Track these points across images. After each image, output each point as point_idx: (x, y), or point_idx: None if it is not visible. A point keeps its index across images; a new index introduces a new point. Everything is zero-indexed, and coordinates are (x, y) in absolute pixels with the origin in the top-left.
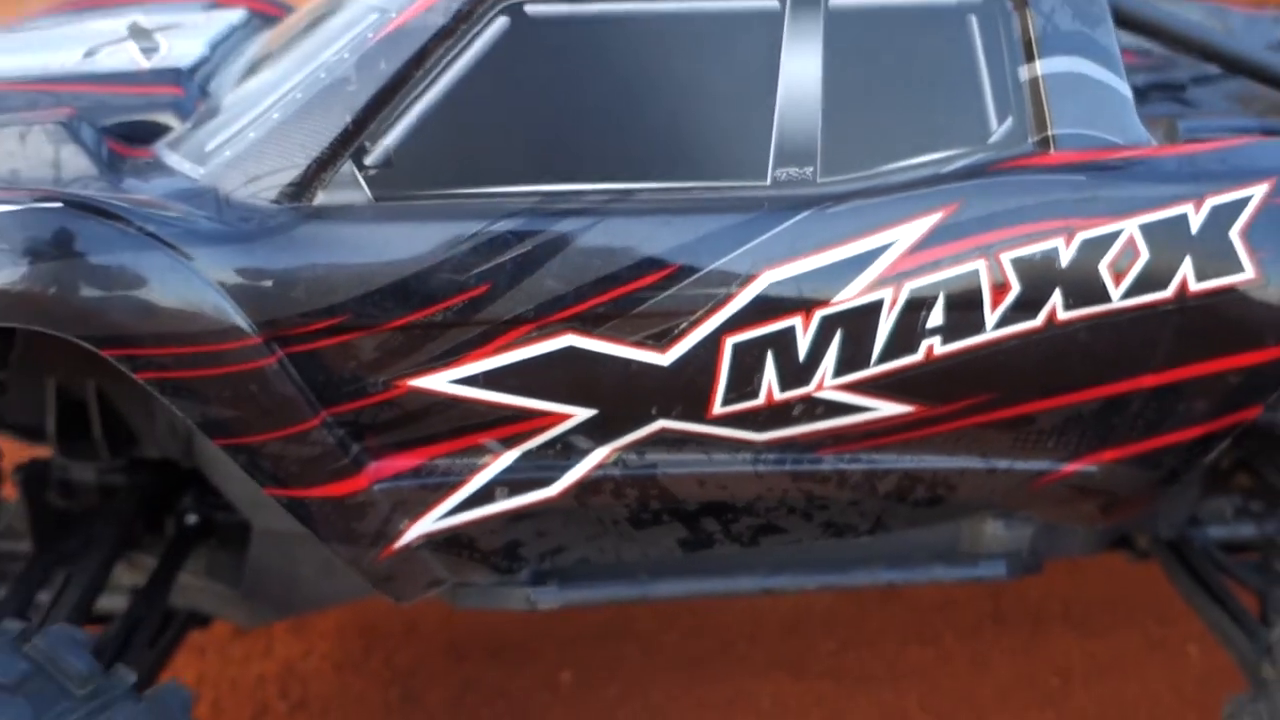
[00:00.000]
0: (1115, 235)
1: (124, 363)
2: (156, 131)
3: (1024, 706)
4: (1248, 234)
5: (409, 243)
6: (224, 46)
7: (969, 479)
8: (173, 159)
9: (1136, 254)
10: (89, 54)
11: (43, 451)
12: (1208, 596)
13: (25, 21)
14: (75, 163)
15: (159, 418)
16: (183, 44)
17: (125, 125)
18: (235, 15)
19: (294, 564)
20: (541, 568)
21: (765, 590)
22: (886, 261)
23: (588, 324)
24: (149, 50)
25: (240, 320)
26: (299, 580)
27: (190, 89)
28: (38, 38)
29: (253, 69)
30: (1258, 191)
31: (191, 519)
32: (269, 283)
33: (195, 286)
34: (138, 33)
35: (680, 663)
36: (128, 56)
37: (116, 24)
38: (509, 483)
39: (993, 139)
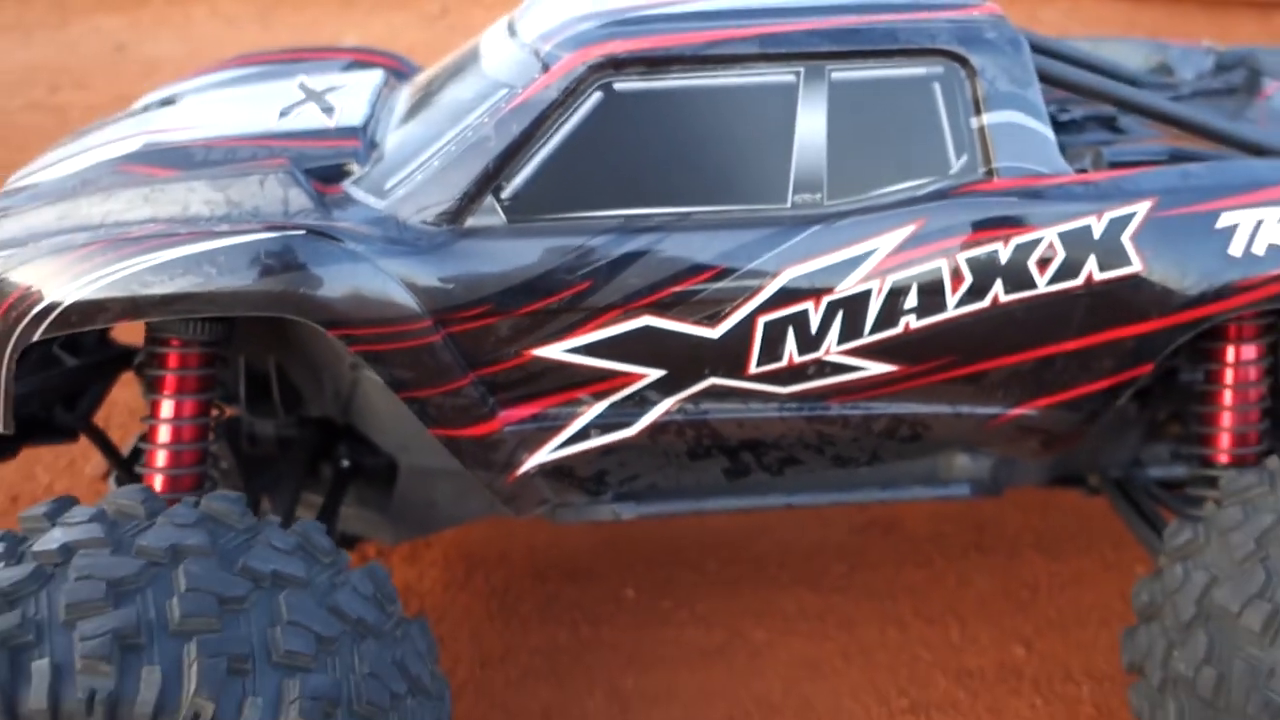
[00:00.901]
0: (1039, 240)
1: (342, 340)
2: (341, 173)
3: (1000, 614)
4: (1135, 238)
5: (533, 253)
6: (378, 104)
7: (940, 421)
8: (359, 194)
9: (1055, 253)
10: (283, 114)
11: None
12: (1144, 523)
13: (187, 81)
14: (298, 200)
15: (325, 385)
16: (350, 103)
17: (319, 169)
18: (376, 76)
19: (432, 493)
20: (621, 490)
21: (788, 506)
22: (874, 261)
23: (659, 309)
24: (328, 110)
25: (418, 309)
26: (435, 506)
27: (364, 141)
28: (230, 99)
29: (405, 121)
30: (1142, 208)
31: (345, 463)
32: (436, 283)
33: (389, 286)
34: (314, 95)
35: (721, 581)
36: (315, 115)
37: (289, 85)
38: (600, 425)
39: (952, 171)
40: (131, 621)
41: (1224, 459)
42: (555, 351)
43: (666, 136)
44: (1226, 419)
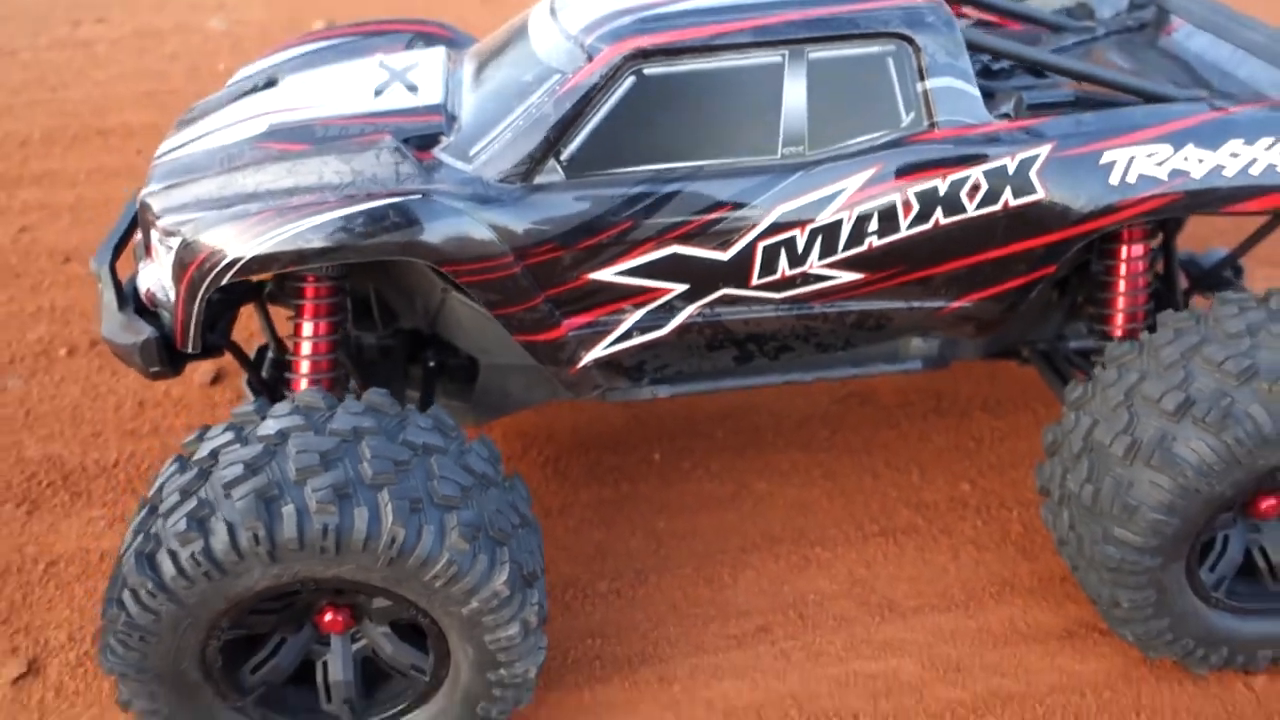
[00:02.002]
0: (969, 176)
1: (452, 274)
2: (432, 141)
3: (953, 460)
4: (1040, 173)
5: (587, 202)
6: (449, 80)
7: (898, 313)
8: (448, 159)
9: (981, 186)
10: (378, 94)
11: None
12: (1061, 384)
13: (274, 58)
14: (406, 168)
15: (416, 305)
16: (428, 81)
17: (416, 139)
18: (440, 53)
19: (506, 384)
20: (656, 376)
21: (784, 382)
22: (845, 197)
23: (684, 239)
24: (412, 89)
25: (505, 248)
26: (509, 394)
27: (446, 115)
28: (326, 80)
29: (474, 92)
30: (1044, 150)
31: (431, 363)
32: (516, 227)
33: (484, 232)
34: (397, 75)
35: (729, 446)
36: (403, 94)
37: (370, 64)
38: (640, 328)
39: (902, 125)
40: (341, 479)
41: (1118, 333)
42: (606, 275)
43: (685, 108)
44: (1120, 302)
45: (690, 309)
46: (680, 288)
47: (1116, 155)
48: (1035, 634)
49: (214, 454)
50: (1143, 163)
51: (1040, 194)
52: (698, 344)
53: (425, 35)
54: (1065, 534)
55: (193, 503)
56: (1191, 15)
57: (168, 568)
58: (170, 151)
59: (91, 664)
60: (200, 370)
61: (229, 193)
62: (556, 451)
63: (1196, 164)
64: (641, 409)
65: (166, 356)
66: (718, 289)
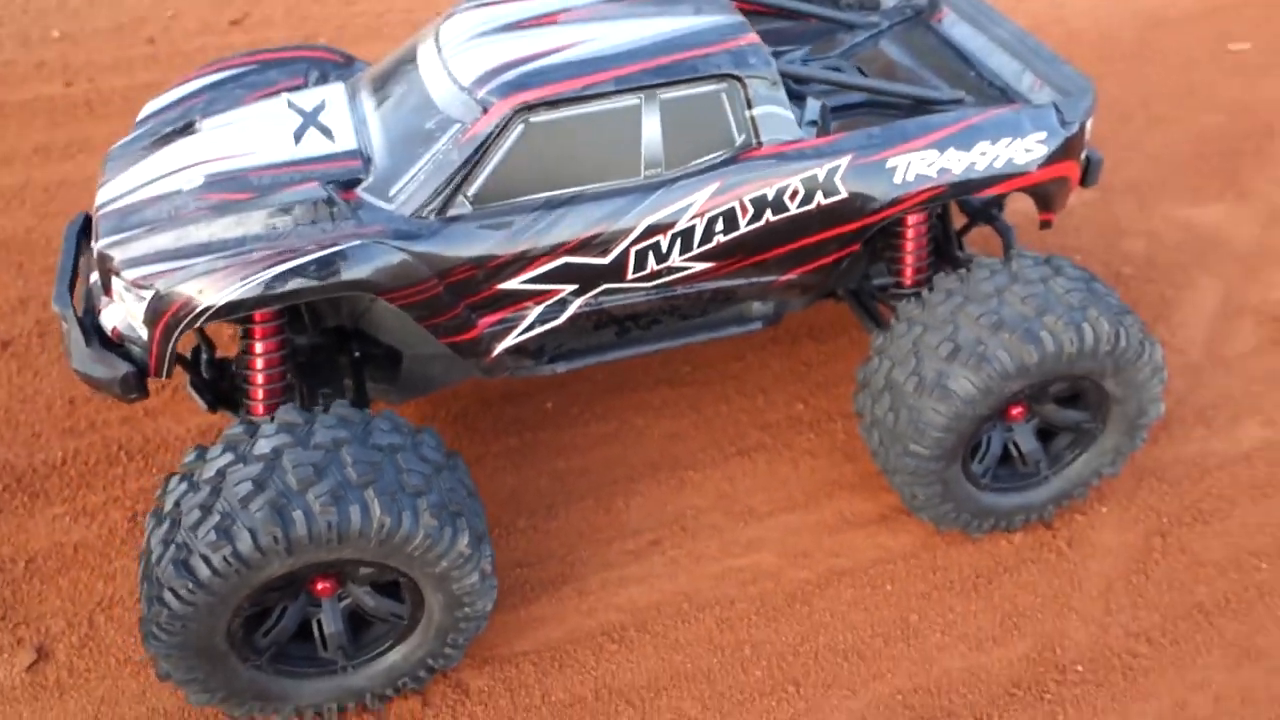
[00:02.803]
0: (789, 184)
1: (389, 299)
2: (354, 182)
3: (788, 383)
4: (843, 178)
5: (493, 229)
6: (357, 122)
7: (742, 288)
8: (370, 199)
9: (799, 191)
10: (297, 141)
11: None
12: (869, 318)
13: (182, 97)
14: (339, 212)
15: (342, 307)
16: (339, 125)
17: (341, 182)
18: (339, 91)
19: (428, 369)
20: (554, 355)
21: (656, 350)
22: (696, 206)
23: (572, 252)
24: (328, 134)
25: (430, 273)
26: (431, 377)
27: (362, 159)
28: (244, 125)
29: (384, 134)
30: (845, 160)
31: (356, 354)
32: (438, 255)
33: (413, 263)
34: (309, 118)
35: (609, 388)
36: (321, 140)
37: (280, 106)
38: (540, 320)
39: (736, 145)
40: (334, 484)
41: (909, 281)
42: (512, 284)
43: (565, 145)
44: (909, 259)
45: (578, 301)
46: (571, 287)
47: (898, 161)
48: (859, 521)
49: (221, 473)
50: (917, 165)
51: (844, 194)
52: (586, 327)
53: (318, 63)
54: (876, 448)
55: (215, 516)
56: (956, 6)
57: (203, 570)
58: (112, 202)
59: (94, 643)
60: None
61: (187, 244)
62: (463, 408)
63: (956, 162)
64: None
65: (142, 384)
66: (600, 285)
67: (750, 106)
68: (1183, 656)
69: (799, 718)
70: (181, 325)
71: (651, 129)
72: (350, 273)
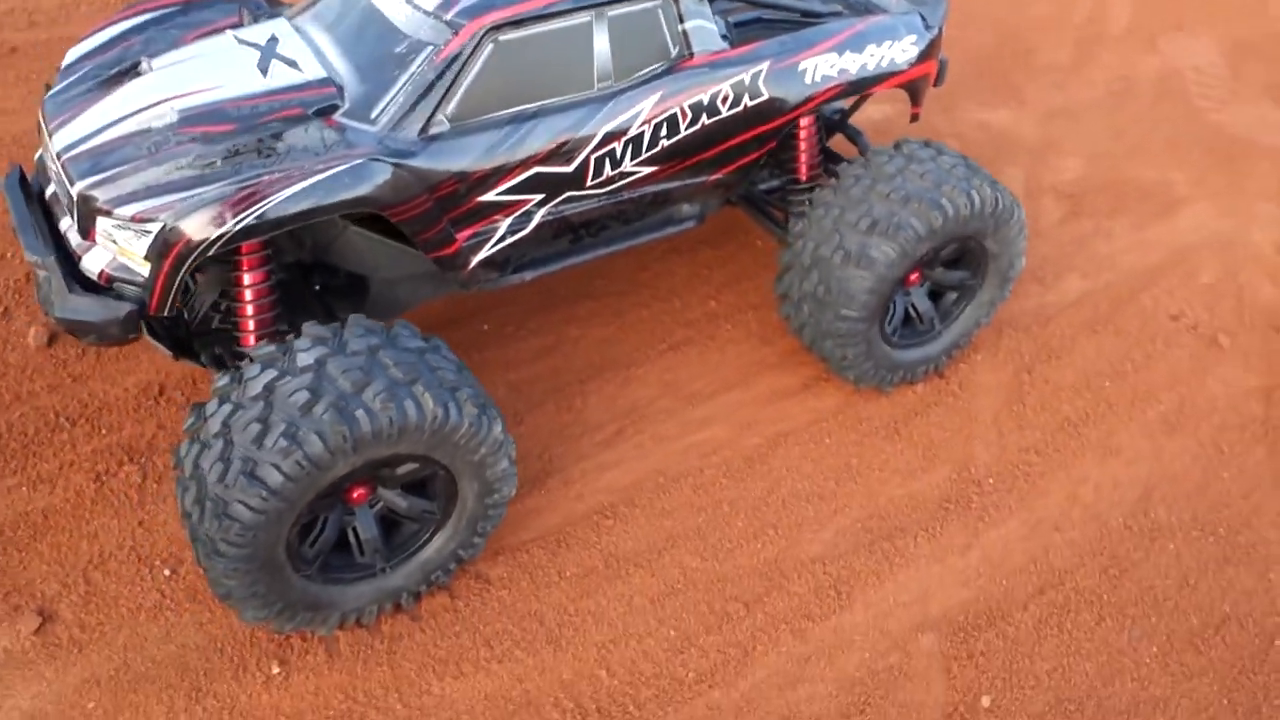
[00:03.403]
0: (720, 89)
1: (389, 215)
2: (332, 109)
3: (697, 286)
4: (764, 81)
5: (470, 143)
6: (317, 50)
7: (678, 190)
8: (353, 124)
9: (729, 95)
10: (265, 74)
11: None
12: (764, 218)
13: (117, 38)
14: (330, 136)
15: (305, 240)
16: (301, 56)
17: (320, 110)
18: (284, 25)
19: (395, 292)
20: (520, 265)
21: (607, 253)
22: (643, 114)
23: (542, 162)
24: (293, 65)
25: (421, 188)
26: (399, 299)
27: (335, 87)
28: (200, 62)
29: (349, 63)
30: (765, 64)
31: (317, 286)
32: (427, 170)
33: (408, 178)
34: (267, 50)
35: (537, 306)
36: (289, 71)
37: (229, 42)
38: (510, 231)
39: (672, 56)
40: (385, 383)
41: (804, 178)
42: (489, 196)
43: (529, 62)
44: (803, 158)
45: (542, 211)
46: (538, 197)
47: (807, 64)
48: (788, 392)
49: (269, 388)
50: (823, 67)
51: (766, 95)
52: (546, 236)
53: (244, 1)
54: (805, 320)
55: (280, 425)
56: None
57: (275, 477)
58: (76, 145)
59: (98, 598)
60: (33, 334)
61: (181, 176)
62: None
63: (852, 63)
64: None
65: (139, 324)
66: (563, 193)
67: (682, 20)
68: (1064, 460)
69: (782, 553)
70: (194, 254)
71: (602, 44)
72: (356, 190)
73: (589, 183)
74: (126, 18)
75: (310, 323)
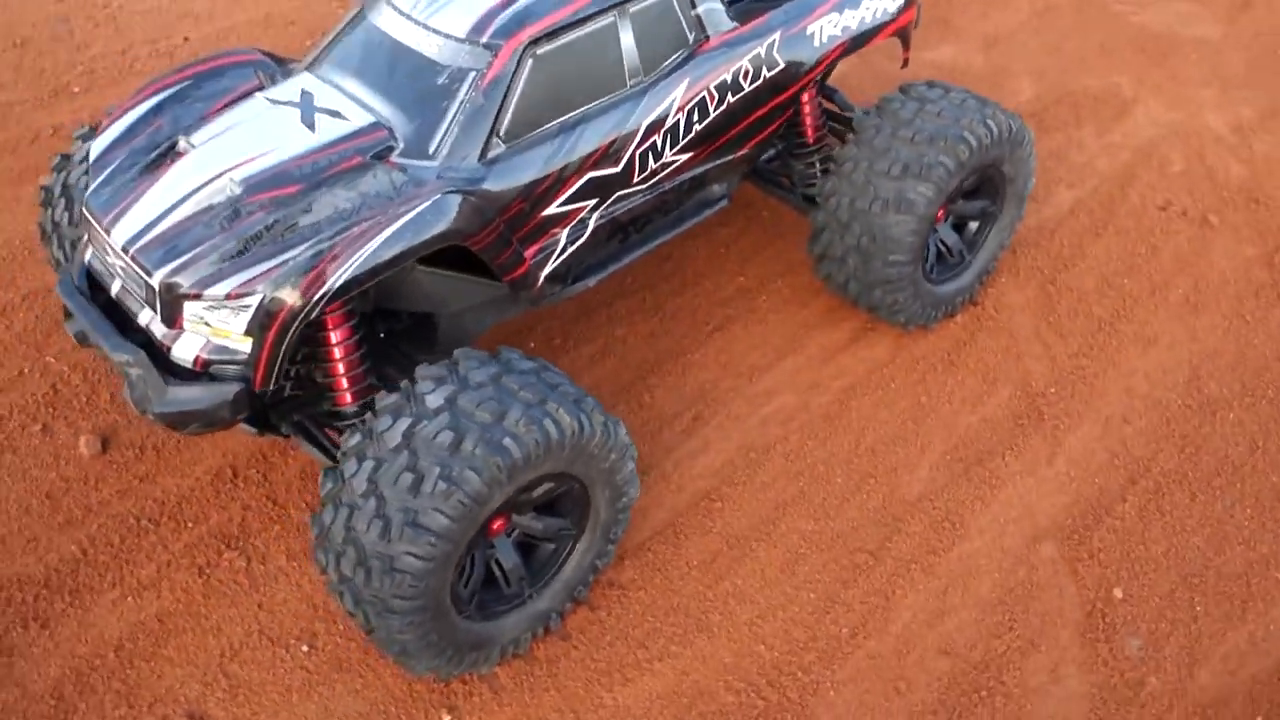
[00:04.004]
0: (740, 66)
1: (470, 244)
2: (388, 151)
3: (720, 264)
4: (778, 50)
5: (529, 159)
6: (355, 100)
7: (711, 171)
8: (411, 162)
9: (748, 70)
10: (312, 128)
11: None
12: (776, 188)
13: (121, 123)
14: (398, 178)
15: (369, 291)
16: (341, 105)
17: (377, 154)
18: (310, 79)
19: (463, 323)
20: (576, 276)
21: (652, 249)
22: (676, 103)
23: (594, 165)
24: (336, 115)
25: (492, 213)
26: (467, 330)
27: (385, 128)
28: (242, 131)
29: (392, 103)
30: (776, 35)
31: (382, 334)
32: (495, 194)
33: (481, 205)
34: (309, 107)
35: (573, 314)
36: (336, 123)
37: (261, 105)
38: (570, 241)
39: (690, 42)
40: (520, 407)
41: (811, 140)
42: (550, 209)
43: (568, 69)
44: (808, 120)
45: (596, 215)
46: (592, 202)
47: (814, 27)
48: (839, 347)
49: (407, 436)
50: (827, 28)
51: (782, 64)
52: (600, 240)
53: (256, 64)
54: (849, 274)
55: (434, 469)
56: None
57: (439, 521)
58: (143, 234)
59: (245, 689)
60: (84, 443)
61: (265, 245)
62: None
63: (852, 19)
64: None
65: (250, 402)
66: (613, 194)
67: (694, 6)
68: (1111, 358)
69: (887, 498)
70: (299, 320)
71: (628, 41)
72: (441, 225)
73: (635, 179)
74: (142, 101)
75: (422, 364)
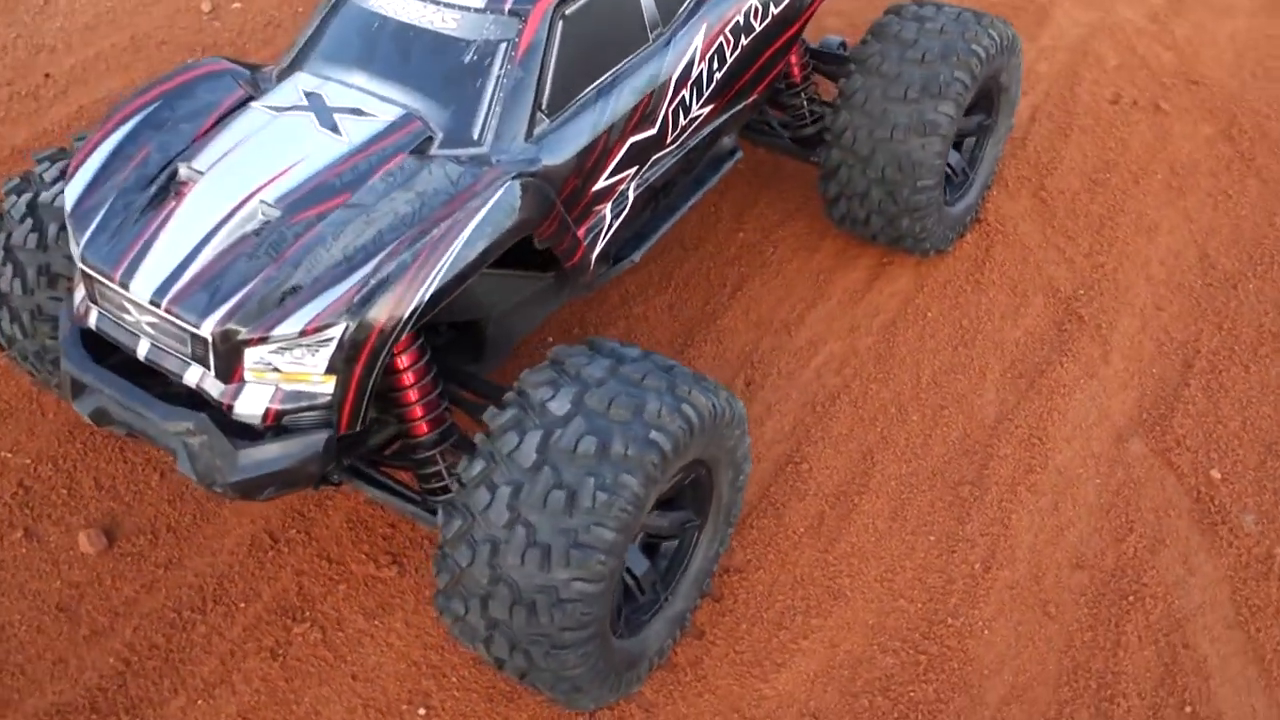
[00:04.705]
0: (749, 4)
1: (539, 231)
2: (427, 143)
3: (716, 223)
4: None
5: (574, 130)
6: (372, 94)
7: (727, 122)
8: (454, 151)
9: (758, 7)
10: (335, 130)
11: None
12: (767, 136)
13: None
14: (453, 170)
15: None
16: (360, 101)
17: (418, 148)
18: (309, 79)
19: (511, 324)
20: (619, 252)
21: (678, 218)
22: (698, 50)
23: (634, 129)
24: (360, 113)
25: (553, 196)
26: (514, 331)
27: (420, 120)
28: (254, 147)
29: (414, 90)
30: None
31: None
32: (552, 169)
33: (543, 187)
34: (323, 109)
35: (583, 305)
36: (364, 122)
37: (262, 115)
38: (614, 216)
39: None
40: (655, 399)
41: (798, 79)
42: (600, 183)
43: (594, 29)
44: (795, 59)
45: (634, 185)
46: (633, 170)
47: None
48: (862, 286)
49: (542, 450)
50: None
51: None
52: (637, 211)
53: (231, 73)
54: (872, 208)
55: (587, 481)
56: None
57: (606, 535)
58: (173, 281)
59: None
60: (85, 539)
61: (325, 269)
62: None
63: None
64: None
65: (337, 450)
66: (650, 158)
67: None
68: (1122, 251)
69: (968, 427)
70: (388, 346)
71: (649, 3)
72: (518, 215)
73: (669, 140)
74: (109, 134)
75: (527, 371)
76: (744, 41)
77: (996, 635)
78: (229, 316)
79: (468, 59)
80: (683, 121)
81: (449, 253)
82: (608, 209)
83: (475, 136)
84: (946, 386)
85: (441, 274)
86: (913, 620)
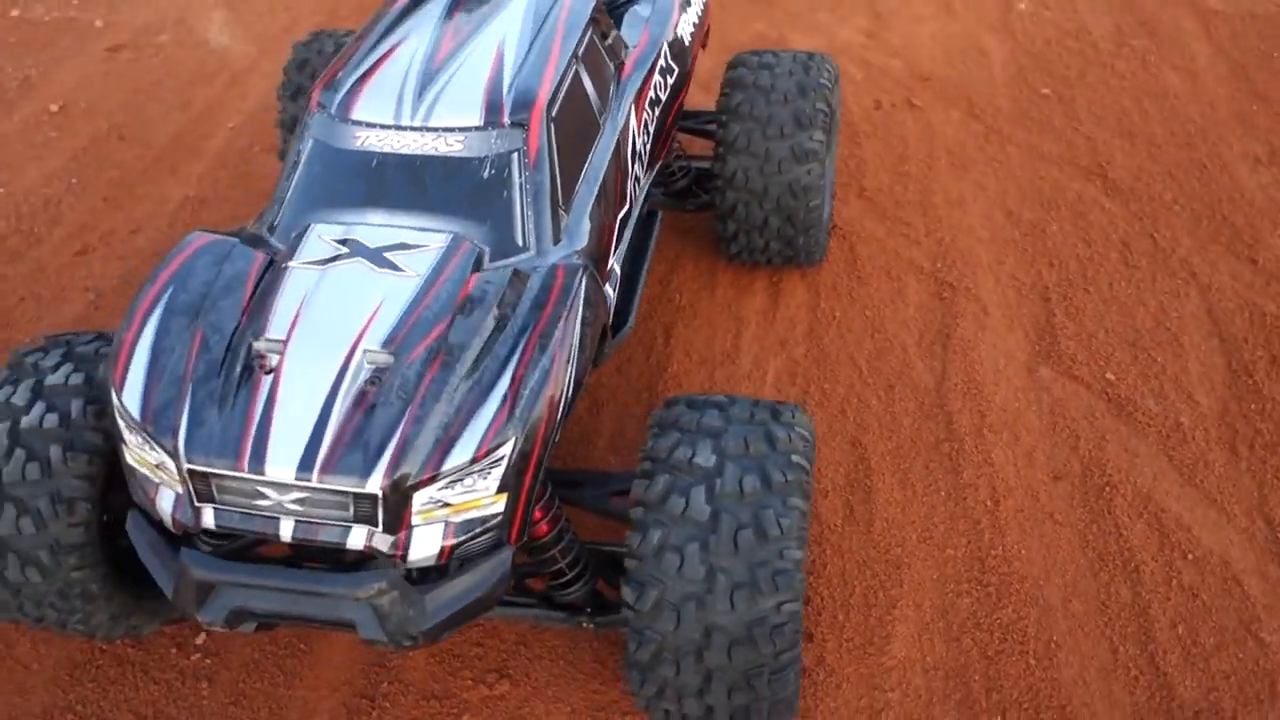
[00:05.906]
0: (654, 79)
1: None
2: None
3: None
4: (668, 56)
5: (583, 220)
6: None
7: (651, 186)
8: (509, 260)
9: (660, 81)
10: (398, 269)
11: None
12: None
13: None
14: (524, 277)
15: None
16: (404, 236)
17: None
18: (326, 229)
19: None
20: (619, 322)
21: (649, 257)
22: (633, 127)
23: (615, 208)
24: (407, 248)
25: (599, 277)
26: None
27: (466, 241)
28: (319, 311)
29: (441, 216)
30: (664, 43)
31: None
32: (583, 259)
33: (595, 275)
34: (367, 251)
35: None
36: (415, 256)
37: (307, 277)
38: (613, 288)
39: (613, 71)
40: (773, 430)
41: None
42: (610, 261)
43: (568, 124)
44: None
45: (616, 258)
46: (622, 245)
47: (680, 30)
48: (769, 306)
49: (709, 498)
50: (685, 28)
51: (675, 68)
52: (627, 256)
53: (223, 244)
54: (770, 235)
55: (766, 514)
56: None
57: (795, 554)
58: (313, 455)
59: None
60: None
61: (464, 395)
62: None
63: (693, 17)
64: None
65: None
66: (626, 230)
67: (605, 38)
68: (953, 224)
69: (920, 397)
70: (549, 450)
71: (588, 83)
72: (595, 307)
73: (634, 211)
74: (138, 331)
75: (650, 441)
76: (657, 112)
77: (1031, 551)
78: (394, 466)
79: (486, 174)
80: (638, 192)
81: (572, 346)
82: (615, 263)
83: (520, 243)
84: (883, 369)
85: (574, 366)
86: (965, 562)
